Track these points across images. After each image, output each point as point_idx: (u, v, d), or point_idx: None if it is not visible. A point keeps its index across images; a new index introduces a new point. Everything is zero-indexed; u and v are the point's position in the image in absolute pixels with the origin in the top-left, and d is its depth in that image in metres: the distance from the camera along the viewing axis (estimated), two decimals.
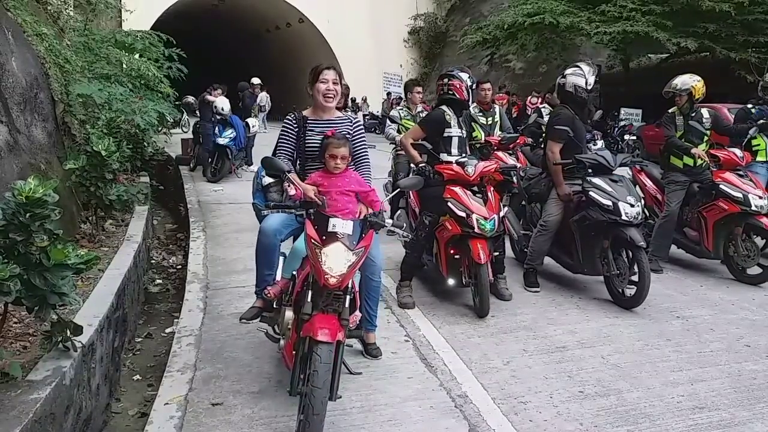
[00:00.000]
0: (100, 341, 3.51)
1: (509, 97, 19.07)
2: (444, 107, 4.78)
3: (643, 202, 4.82)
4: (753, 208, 5.24)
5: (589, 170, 4.84)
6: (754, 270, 5.41)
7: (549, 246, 5.08)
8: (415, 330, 4.20)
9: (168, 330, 4.85)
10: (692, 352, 3.94)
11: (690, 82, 5.61)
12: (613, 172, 4.85)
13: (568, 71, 5.17)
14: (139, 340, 4.80)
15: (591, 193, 4.70)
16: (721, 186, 5.40)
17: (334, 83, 3.53)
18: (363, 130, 3.72)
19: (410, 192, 5.11)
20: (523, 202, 5.75)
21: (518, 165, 6.61)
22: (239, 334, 4.06)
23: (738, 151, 5.57)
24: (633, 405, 3.25)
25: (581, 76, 5.04)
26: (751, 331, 4.30)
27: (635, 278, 4.62)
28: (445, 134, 4.72)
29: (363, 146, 3.65)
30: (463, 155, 4.72)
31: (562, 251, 5.20)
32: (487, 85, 7.06)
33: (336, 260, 2.89)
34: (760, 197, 5.28)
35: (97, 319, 3.57)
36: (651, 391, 3.40)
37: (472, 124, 6.97)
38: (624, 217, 4.54)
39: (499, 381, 3.49)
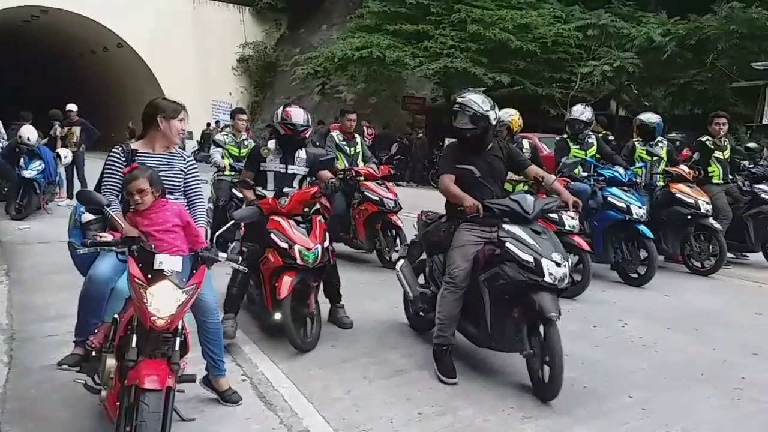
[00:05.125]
0: None
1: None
2: (270, 142, 4.82)
3: (569, 261, 3.96)
4: (566, 227, 5.73)
5: (505, 219, 3.84)
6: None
7: (459, 309, 3.96)
8: (253, 368, 4.03)
9: None
10: (517, 364, 4.17)
11: (507, 116, 6.15)
12: (533, 221, 3.84)
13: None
14: None
15: (508, 244, 3.68)
16: None
17: (184, 122, 3.44)
18: (197, 168, 3.55)
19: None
20: (405, 245, 5.52)
21: (389, 196, 6.69)
22: (53, 388, 3.62)
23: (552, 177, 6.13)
24: (468, 421, 3.37)
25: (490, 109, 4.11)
26: (567, 342, 4.56)
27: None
28: (261, 169, 4.71)
29: (197, 185, 3.49)
30: (284, 189, 4.63)
31: (466, 318, 4.04)
32: (353, 116, 7.24)
33: (164, 300, 2.70)
34: (572, 217, 5.79)
35: None
36: (484, 406, 3.55)
37: (338, 153, 7.06)
38: (547, 279, 3.57)
39: (341, 412, 3.45)
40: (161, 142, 3.40)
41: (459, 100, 4.14)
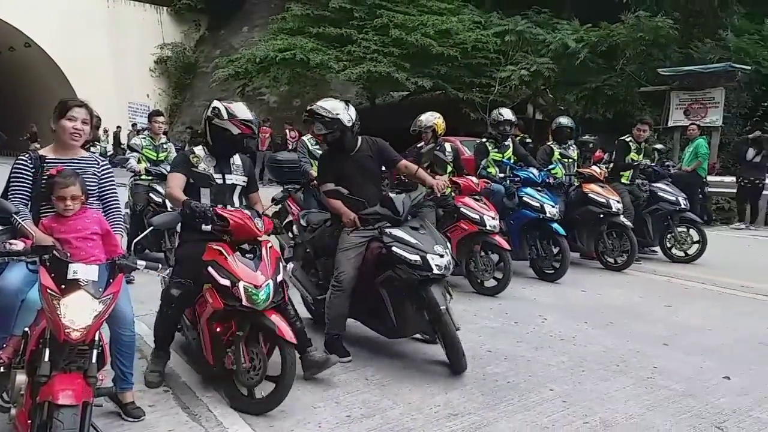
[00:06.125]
0: None
1: (272, 131, 19.19)
2: (198, 148, 3.97)
3: (450, 247, 4.28)
4: (488, 227, 5.95)
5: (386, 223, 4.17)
6: (491, 282, 6.12)
7: (348, 306, 4.24)
8: (175, 378, 3.91)
9: None
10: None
11: (432, 119, 6.30)
12: (405, 221, 4.16)
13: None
14: None
15: (394, 248, 3.99)
16: (461, 209, 6.06)
17: (83, 122, 3.23)
18: (112, 172, 3.41)
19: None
20: (290, 246, 5.34)
21: None
22: None
23: (474, 178, 6.35)
24: (396, 421, 3.39)
25: (340, 113, 4.33)
26: (491, 338, 4.80)
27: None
28: (192, 180, 3.83)
29: (112, 190, 3.36)
30: (219, 204, 3.75)
31: (372, 316, 4.38)
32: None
33: (79, 311, 2.59)
34: (493, 218, 6.02)
35: None
36: (411, 406, 3.59)
37: (312, 161, 6.39)
38: (436, 271, 3.91)
39: (268, 419, 3.40)
40: (65, 145, 3.26)
41: (309, 108, 4.44)
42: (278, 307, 3.55)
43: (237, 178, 3.92)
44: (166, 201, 6.66)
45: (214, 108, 3.85)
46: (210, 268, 3.44)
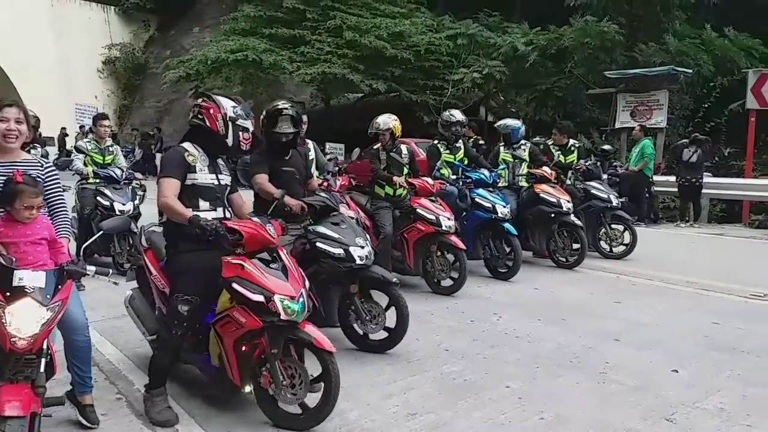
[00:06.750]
0: None
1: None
2: (187, 144, 3.56)
3: (369, 239, 4.60)
4: (444, 228, 6.01)
5: (310, 219, 4.43)
6: (447, 282, 6.19)
7: None
8: (129, 386, 3.82)
9: None
10: (403, 362, 4.30)
11: (390, 122, 6.31)
12: (334, 213, 4.51)
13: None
14: None
15: (318, 244, 4.31)
16: (418, 210, 6.12)
17: (17, 122, 3.07)
18: (57, 175, 3.28)
19: (147, 258, 3.81)
20: None
21: (350, 214, 5.59)
22: None
23: (430, 180, 6.41)
24: (355, 423, 3.39)
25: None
26: (448, 337, 4.85)
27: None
28: (188, 181, 3.45)
29: (59, 194, 3.23)
30: (218, 209, 3.53)
31: None
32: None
33: (25, 319, 2.52)
34: (449, 218, 6.09)
35: None
36: (370, 407, 3.60)
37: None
38: (359, 261, 4.27)
39: (226, 423, 3.36)
40: (2, 148, 3.13)
41: (280, 106, 4.62)
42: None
43: (227, 179, 3.67)
44: (115, 204, 6.54)
45: (234, 107, 3.56)
46: (235, 285, 3.18)
